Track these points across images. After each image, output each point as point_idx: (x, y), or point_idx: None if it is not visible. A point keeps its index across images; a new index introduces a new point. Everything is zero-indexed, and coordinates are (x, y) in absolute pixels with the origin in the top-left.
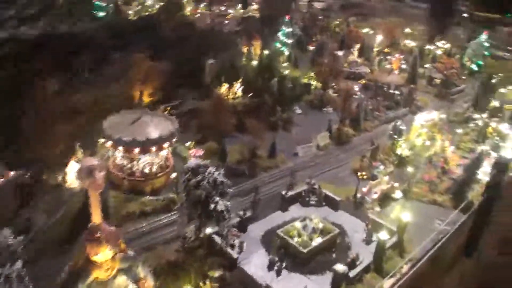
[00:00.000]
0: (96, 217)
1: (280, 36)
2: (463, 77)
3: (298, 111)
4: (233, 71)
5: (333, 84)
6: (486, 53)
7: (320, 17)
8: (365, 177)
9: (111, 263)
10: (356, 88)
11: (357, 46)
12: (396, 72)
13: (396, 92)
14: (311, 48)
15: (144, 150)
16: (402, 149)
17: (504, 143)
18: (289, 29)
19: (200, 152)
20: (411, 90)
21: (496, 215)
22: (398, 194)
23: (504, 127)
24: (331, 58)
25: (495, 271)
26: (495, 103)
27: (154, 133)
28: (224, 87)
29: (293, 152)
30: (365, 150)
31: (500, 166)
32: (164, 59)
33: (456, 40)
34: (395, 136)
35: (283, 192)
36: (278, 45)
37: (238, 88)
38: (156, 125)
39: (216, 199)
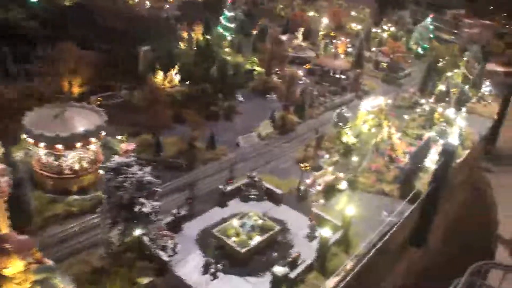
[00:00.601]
0: (3, 226)
1: (222, 20)
2: (410, 61)
3: (241, 98)
4: (170, 59)
5: (277, 69)
6: (431, 36)
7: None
8: (308, 168)
9: (24, 275)
10: (301, 73)
11: (301, 30)
12: (342, 56)
13: (343, 77)
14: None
15: (69, 146)
16: (348, 137)
17: (451, 129)
18: (231, 14)
19: (132, 146)
20: (357, 75)
21: (443, 204)
22: (343, 185)
23: (450, 112)
24: (273, 43)
25: (441, 259)
26: (441, 87)
27: (79, 128)
28: (159, 76)
29: (234, 142)
30: (309, 139)
31: (446, 154)
32: (98, 48)
33: (402, 23)
34: (340, 124)
35: (221, 187)
36: (220, 30)
37: (175, 76)
38: (82, 118)
39: (142, 200)
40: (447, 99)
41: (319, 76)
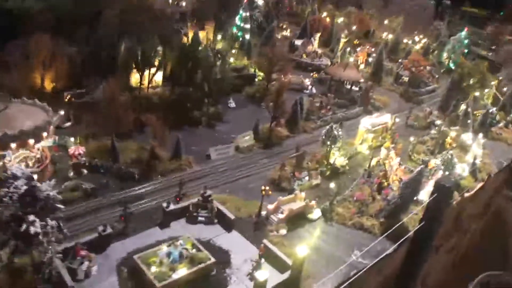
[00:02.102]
0: None
1: (237, 20)
2: (437, 76)
3: (232, 104)
4: (149, 57)
5: (278, 76)
6: (466, 50)
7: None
8: (270, 192)
9: None
10: (308, 82)
11: (317, 35)
12: (362, 66)
13: (355, 88)
14: (276, 36)
15: (2, 147)
16: (336, 158)
17: (464, 156)
18: (247, 13)
19: (80, 150)
20: (368, 88)
21: (448, 240)
22: (316, 214)
23: (467, 136)
24: (277, 46)
25: None
26: (464, 108)
27: (15, 127)
28: (137, 75)
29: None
30: (288, 157)
31: (440, 191)
32: (85, 41)
33: (437, 35)
34: (328, 143)
35: (164, 204)
36: (235, 30)
37: (154, 76)
38: (25, 117)
39: (31, 218)
40: (468, 121)
41: (328, 86)
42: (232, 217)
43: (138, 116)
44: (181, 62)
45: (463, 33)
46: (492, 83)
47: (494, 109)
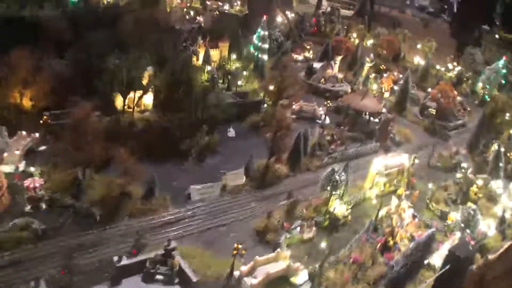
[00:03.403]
0: None
1: (254, 39)
2: (469, 109)
3: (232, 134)
4: (135, 78)
5: (288, 103)
6: (503, 81)
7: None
8: (243, 251)
9: None
10: (321, 110)
11: (339, 59)
12: (387, 94)
13: (375, 120)
14: (297, 57)
15: None
16: (337, 207)
17: (493, 207)
18: (265, 32)
19: (37, 183)
20: (387, 120)
21: None
22: (301, 278)
23: (497, 184)
24: (290, 69)
25: None
26: (495, 149)
27: None
28: (120, 98)
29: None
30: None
31: (453, 260)
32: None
33: (472, 62)
34: (327, 188)
35: (116, 258)
36: (252, 49)
37: (140, 99)
38: None
39: None
40: (500, 164)
41: (344, 117)
42: (194, 278)
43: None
44: (172, 85)
45: (501, 62)
46: None
47: None
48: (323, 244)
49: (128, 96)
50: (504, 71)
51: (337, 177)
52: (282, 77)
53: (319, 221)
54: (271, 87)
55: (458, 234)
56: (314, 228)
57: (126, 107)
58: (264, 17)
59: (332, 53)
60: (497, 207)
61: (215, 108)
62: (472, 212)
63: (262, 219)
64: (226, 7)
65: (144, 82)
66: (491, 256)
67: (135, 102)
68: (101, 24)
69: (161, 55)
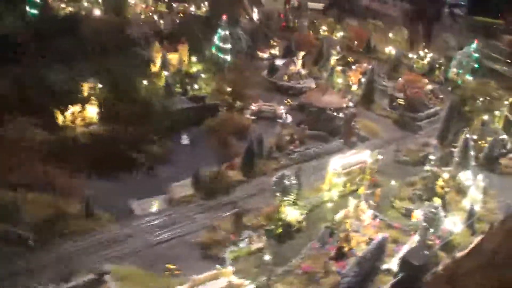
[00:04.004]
0: None
1: (216, 40)
2: (441, 96)
3: (185, 141)
4: (76, 91)
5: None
6: (476, 65)
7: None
8: (176, 272)
9: None
10: (282, 110)
11: (301, 54)
12: (355, 87)
13: (340, 116)
14: (263, 55)
15: None
16: (289, 214)
17: (462, 201)
18: (226, 32)
19: None
20: (350, 116)
21: None
22: None
23: (466, 176)
24: (242, 68)
25: None
26: (465, 136)
27: None
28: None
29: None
30: (238, 211)
31: (406, 268)
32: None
33: (446, 48)
34: (278, 194)
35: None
36: (214, 51)
37: (81, 112)
38: None
39: None
40: (471, 153)
41: (306, 114)
42: None
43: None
44: (117, 95)
45: (473, 46)
46: (506, 102)
47: (504, 136)
48: (267, 257)
49: (70, 111)
50: (476, 55)
51: (287, 182)
52: (237, 78)
53: (270, 230)
54: (229, 89)
55: (416, 237)
56: (263, 238)
57: (69, 122)
58: (224, 17)
59: (296, 49)
60: (466, 200)
61: (163, 116)
62: (434, 210)
63: (207, 232)
64: (193, 8)
65: (85, 94)
66: (460, 253)
67: (76, 116)
68: (54, 35)
69: (104, 64)
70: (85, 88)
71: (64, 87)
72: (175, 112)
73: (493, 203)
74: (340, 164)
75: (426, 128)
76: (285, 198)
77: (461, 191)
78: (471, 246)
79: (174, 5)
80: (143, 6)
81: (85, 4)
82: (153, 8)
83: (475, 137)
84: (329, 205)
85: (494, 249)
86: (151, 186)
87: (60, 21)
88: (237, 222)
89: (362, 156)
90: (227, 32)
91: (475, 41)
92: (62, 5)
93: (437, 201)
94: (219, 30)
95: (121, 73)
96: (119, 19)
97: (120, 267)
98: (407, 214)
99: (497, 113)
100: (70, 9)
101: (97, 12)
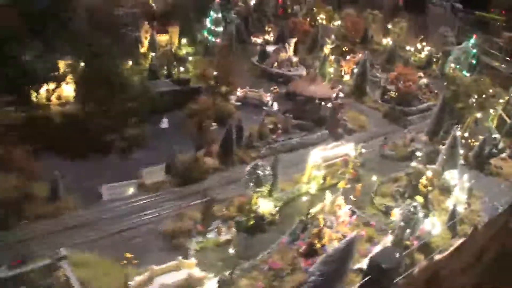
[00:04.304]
0: None
1: (208, 23)
2: (435, 91)
3: (164, 125)
4: (48, 69)
5: (226, 88)
6: (473, 62)
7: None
8: (134, 262)
9: None
10: (268, 97)
11: (292, 41)
12: (347, 77)
13: (328, 106)
14: (256, 40)
15: None
16: (261, 205)
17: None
18: (218, 15)
19: None
20: (337, 107)
21: None
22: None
23: (452, 175)
24: (225, 53)
25: None
26: (453, 134)
27: None
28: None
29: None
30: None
31: (376, 271)
32: None
33: (444, 42)
34: (251, 185)
35: None
36: (206, 34)
37: (55, 91)
38: None
39: None
40: (459, 151)
41: (293, 103)
42: None
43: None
44: (95, 75)
45: (471, 41)
46: (501, 100)
47: (496, 135)
48: (231, 250)
49: (44, 89)
50: (474, 51)
51: (260, 173)
52: (223, 63)
53: (240, 221)
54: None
55: (389, 237)
56: (233, 230)
57: (44, 100)
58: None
59: (288, 36)
60: (450, 201)
61: (143, 98)
62: (412, 209)
63: (175, 220)
64: None
65: (61, 72)
66: (438, 256)
67: (51, 94)
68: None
69: (84, 42)
70: (61, 66)
71: (38, 64)
72: (156, 94)
73: (478, 204)
74: (321, 156)
75: (417, 123)
76: (258, 190)
77: (446, 190)
78: (452, 248)
79: None
80: None
81: None
82: None
83: (466, 135)
84: (307, 198)
85: (476, 253)
86: (124, 170)
87: None
88: (206, 212)
89: (345, 149)
90: (220, 15)
91: (474, 36)
92: None
93: (419, 200)
94: (212, 13)
95: (103, 52)
96: None
97: (78, 253)
98: (387, 211)
99: (491, 111)
100: None
101: None
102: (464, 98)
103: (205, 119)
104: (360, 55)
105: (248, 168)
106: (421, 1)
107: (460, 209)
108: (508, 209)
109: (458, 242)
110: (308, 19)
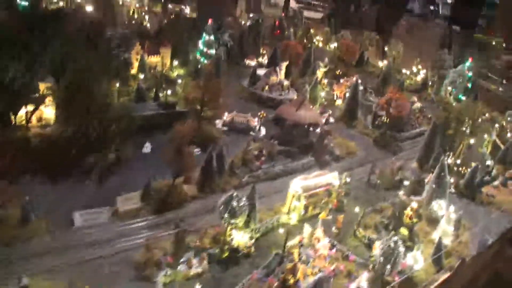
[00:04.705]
0: None
1: (200, 45)
2: (429, 116)
3: (147, 149)
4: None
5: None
6: (469, 85)
7: (280, 24)
8: None
9: None
10: (255, 123)
11: (284, 64)
12: (340, 101)
13: (317, 132)
14: (251, 63)
15: None
16: (237, 237)
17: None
18: (210, 37)
19: None
20: (324, 134)
21: None
22: None
23: (440, 206)
24: (208, 76)
25: None
26: (441, 162)
27: None
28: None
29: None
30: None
31: None
32: None
33: (440, 65)
34: (226, 216)
35: None
36: (198, 55)
37: (31, 114)
38: None
39: None
40: (446, 180)
41: (281, 129)
42: None
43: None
44: (76, 97)
45: (467, 65)
46: (496, 125)
47: (489, 161)
48: (197, 286)
49: (24, 111)
50: (470, 74)
51: (235, 204)
52: (211, 86)
53: (213, 254)
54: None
55: (364, 274)
56: (205, 262)
57: (23, 122)
58: (209, 21)
59: (280, 58)
60: (436, 233)
61: (126, 121)
62: (392, 243)
63: (145, 251)
64: (188, 10)
65: (42, 94)
66: None
67: (29, 117)
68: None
69: (68, 64)
70: (42, 88)
71: (17, 86)
72: (139, 118)
73: (467, 236)
74: (301, 185)
75: (408, 149)
76: (232, 221)
77: (434, 221)
78: (437, 283)
79: (170, 6)
80: (137, 5)
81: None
82: (146, 8)
83: (459, 161)
84: (284, 230)
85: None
86: (101, 196)
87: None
88: (178, 243)
89: (328, 177)
90: (212, 38)
91: (470, 59)
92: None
93: (403, 232)
94: (204, 35)
95: (87, 74)
96: (102, 18)
97: (41, 282)
98: (370, 244)
99: (485, 136)
100: (61, 4)
101: (89, 8)
102: (455, 124)
103: (184, 144)
104: (354, 78)
105: (222, 198)
106: (420, 24)
107: (447, 241)
108: (498, 240)
109: (443, 276)
110: (305, 41)
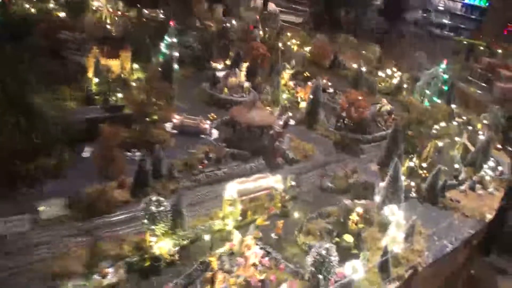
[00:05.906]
0: None
1: (162, 48)
2: (396, 118)
3: (86, 154)
4: None
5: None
6: (445, 87)
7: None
8: None
9: None
10: (207, 126)
11: (244, 66)
12: (303, 104)
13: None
14: (216, 65)
15: None
16: (160, 245)
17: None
18: (173, 39)
19: None
20: (275, 136)
21: None
22: None
23: (392, 211)
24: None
25: None
26: (399, 165)
27: None
28: None
29: None
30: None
31: None
32: None
33: (418, 67)
34: (145, 222)
35: None
36: (161, 58)
37: None
38: None
39: None
40: (399, 184)
41: (233, 131)
42: None
43: None
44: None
45: (442, 66)
46: (470, 127)
47: (457, 165)
48: None
49: None
50: (445, 76)
51: (153, 208)
52: (152, 87)
53: (131, 262)
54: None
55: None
56: (121, 271)
57: None
58: (171, 23)
59: (242, 60)
60: (384, 240)
61: (63, 126)
62: (323, 252)
63: (59, 260)
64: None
65: None
66: None
67: None
68: None
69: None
70: None
71: None
72: (81, 121)
73: (422, 242)
74: (237, 189)
75: (371, 152)
76: (152, 227)
77: (385, 227)
78: None
79: (145, 11)
80: (110, 10)
81: (51, 5)
82: (119, 13)
83: (424, 165)
84: (209, 237)
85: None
86: (27, 203)
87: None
88: (93, 251)
89: (270, 181)
90: (175, 40)
91: (444, 61)
92: (27, 5)
93: (347, 239)
94: (166, 37)
95: (15, 77)
96: (64, 23)
97: None
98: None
99: (457, 139)
100: (33, 10)
101: (62, 14)
102: (416, 126)
103: (112, 147)
104: (325, 81)
105: (141, 204)
106: (399, 26)
107: (397, 249)
108: (466, 247)
109: (391, 286)
110: (280, 44)
